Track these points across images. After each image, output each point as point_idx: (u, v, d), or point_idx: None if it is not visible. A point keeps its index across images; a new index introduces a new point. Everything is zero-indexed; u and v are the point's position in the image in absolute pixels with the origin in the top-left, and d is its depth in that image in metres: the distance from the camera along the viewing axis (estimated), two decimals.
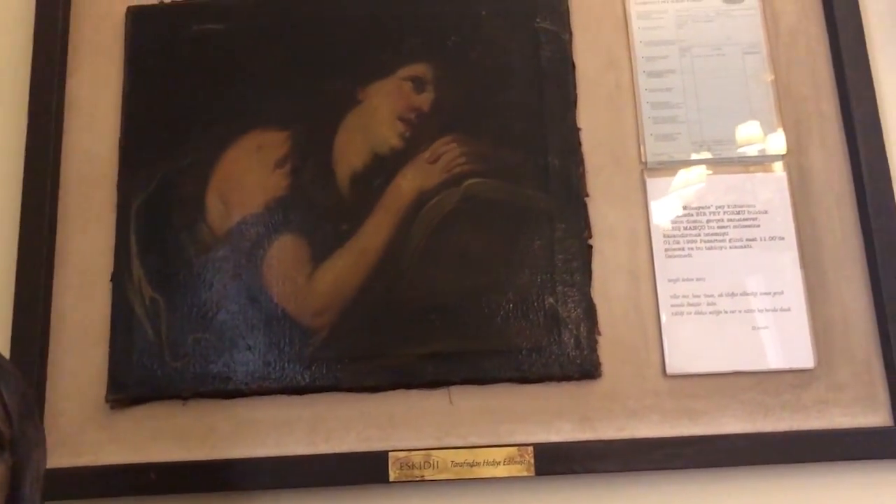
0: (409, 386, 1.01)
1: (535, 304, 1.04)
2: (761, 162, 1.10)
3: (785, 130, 1.10)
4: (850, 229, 1.07)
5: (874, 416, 1.02)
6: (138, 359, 1.02)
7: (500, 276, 1.04)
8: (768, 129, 1.10)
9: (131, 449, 1.01)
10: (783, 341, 1.03)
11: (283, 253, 1.05)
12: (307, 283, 1.04)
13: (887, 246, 1.05)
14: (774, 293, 1.05)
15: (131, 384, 1.02)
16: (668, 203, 1.08)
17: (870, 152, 1.08)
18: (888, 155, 1.08)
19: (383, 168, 1.07)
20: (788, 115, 1.11)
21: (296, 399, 1.02)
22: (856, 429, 1.01)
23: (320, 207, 1.06)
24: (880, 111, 1.09)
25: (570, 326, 1.03)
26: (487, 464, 0.97)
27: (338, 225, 1.05)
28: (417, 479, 0.97)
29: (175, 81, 1.12)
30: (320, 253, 1.05)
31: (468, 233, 1.05)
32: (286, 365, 1.02)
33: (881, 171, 1.07)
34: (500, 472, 0.97)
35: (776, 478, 1.00)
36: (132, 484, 0.99)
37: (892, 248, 1.05)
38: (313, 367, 1.01)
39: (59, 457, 1.00)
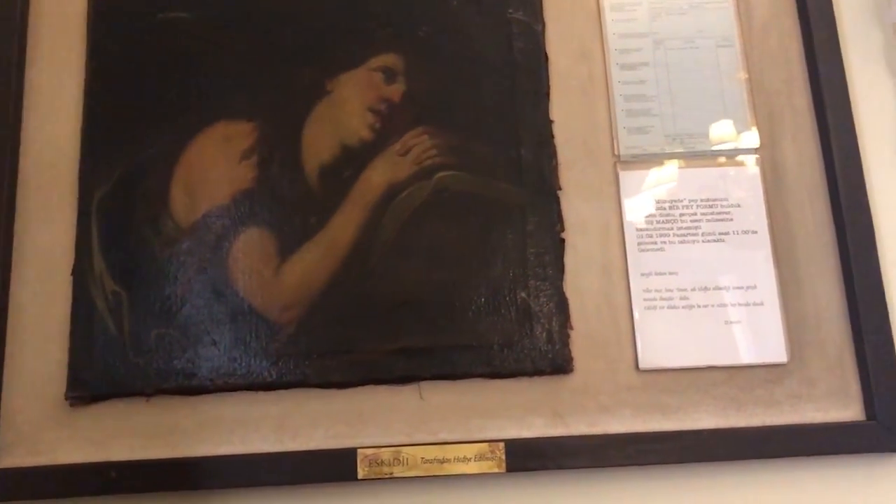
0: (378, 382, 0.99)
1: (507, 298, 1.02)
2: (734, 156, 1.09)
3: (758, 124, 1.10)
4: (822, 223, 1.07)
5: (846, 411, 1.01)
6: (99, 355, 0.99)
7: (472, 271, 1.03)
8: (741, 122, 1.10)
9: (92, 447, 0.98)
10: (756, 336, 1.03)
11: (250, 246, 1.02)
12: (274, 277, 1.02)
13: (860, 240, 1.05)
14: (747, 287, 1.04)
15: (92, 381, 0.98)
16: (640, 197, 1.07)
17: (842, 146, 1.08)
18: (860, 149, 1.08)
19: (353, 160, 1.05)
20: (761, 109, 1.10)
21: (262, 395, 0.99)
22: (828, 423, 1.00)
23: (288, 200, 1.04)
24: (852, 105, 1.09)
25: (542, 321, 1.02)
26: (458, 460, 0.96)
27: (306, 218, 1.03)
28: (387, 476, 0.95)
29: (139, 71, 1.09)
30: (288, 246, 1.02)
31: (439, 226, 1.04)
32: (252, 360, 0.99)
33: (853, 166, 1.07)
34: (471, 468, 0.95)
35: (749, 473, 1.00)
36: (92, 483, 0.96)
37: (864, 243, 1.05)
38: (280, 363, 0.99)
39: (17, 456, 0.97)
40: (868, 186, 1.07)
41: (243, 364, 0.99)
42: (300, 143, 1.06)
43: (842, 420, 1.01)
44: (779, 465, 1.00)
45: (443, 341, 1.00)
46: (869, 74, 1.12)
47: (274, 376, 0.99)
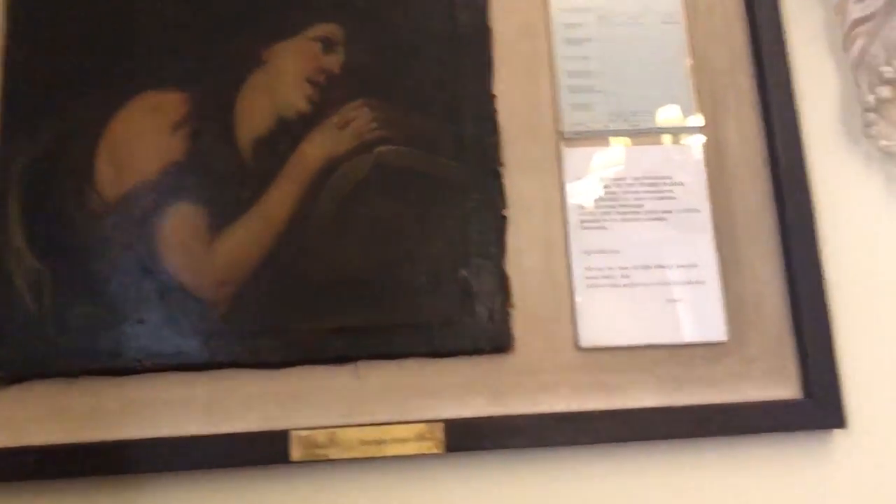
0: (314, 362, 0.96)
1: (448, 276, 1.00)
2: (678, 134, 1.08)
3: (701, 103, 1.09)
4: (763, 203, 1.07)
5: (784, 390, 1.02)
6: (17, 334, 0.94)
7: (412, 248, 1.00)
8: (685, 101, 1.09)
9: (9, 432, 0.93)
10: (697, 314, 1.02)
11: (180, 221, 0.98)
12: (205, 253, 0.98)
13: (800, 220, 1.05)
14: (689, 266, 1.04)
15: (9, 362, 0.94)
16: (584, 174, 1.06)
17: (784, 126, 1.08)
18: (802, 130, 1.08)
19: (289, 133, 1.01)
20: (705, 88, 1.10)
21: (192, 376, 0.95)
22: (767, 401, 1.00)
23: (220, 174, 0.99)
24: (795, 85, 1.09)
25: (482, 299, 0.99)
26: (396, 441, 0.93)
27: (239, 192, 0.99)
28: (321, 458, 0.92)
29: (63, 36, 1.03)
30: (220, 221, 0.98)
31: (379, 202, 1.01)
32: (182, 340, 0.95)
33: (794, 146, 1.07)
34: (409, 449, 0.93)
35: (689, 451, 1.00)
36: (11, 469, 0.91)
37: (803, 223, 1.05)
38: (211, 343, 0.95)
39: None
40: (808, 167, 1.07)
41: (172, 344, 0.95)
42: (234, 114, 1.02)
43: (780, 398, 1.01)
44: (718, 443, 1.00)
45: (381, 320, 0.98)
46: (811, 54, 1.12)
47: (205, 356, 0.95)
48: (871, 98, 1.07)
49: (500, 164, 1.04)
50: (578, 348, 1.00)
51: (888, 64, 1.06)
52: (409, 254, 1.00)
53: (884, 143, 1.07)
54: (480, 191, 1.03)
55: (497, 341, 0.99)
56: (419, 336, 0.98)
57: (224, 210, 0.99)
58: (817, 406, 1.00)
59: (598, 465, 0.99)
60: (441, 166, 1.03)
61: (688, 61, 1.10)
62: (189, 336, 0.96)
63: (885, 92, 1.06)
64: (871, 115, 1.07)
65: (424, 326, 0.98)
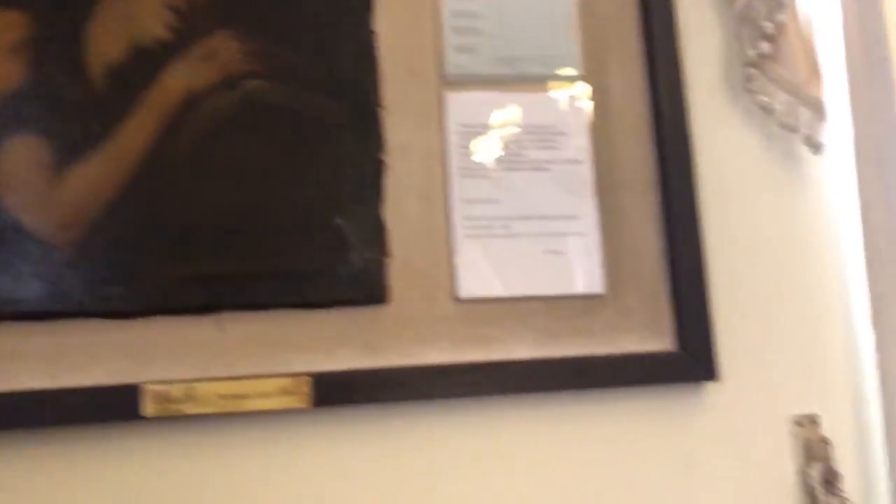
0: (170, 312, 0.89)
1: (320, 223, 0.94)
2: (562, 81, 1.05)
3: (586, 50, 1.06)
4: (644, 156, 1.05)
5: (659, 343, 1.02)
6: None
7: (282, 192, 0.94)
8: (570, 48, 1.06)
9: None
10: (575, 266, 1.01)
11: (19, 155, 0.88)
12: (49, 191, 0.88)
13: (680, 173, 1.05)
14: (569, 217, 1.02)
15: None
16: (466, 120, 1.01)
17: (668, 79, 1.07)
18: (685, 83, 1.07)
19: (146, 62, 0.92)
20: (590, 35, 1.07)
21: (34, 326, 0.86)
22: (642, 354, 1.00)
23: (67, 104, 0.90)
24: (680, 38, 1.08)
25: (357, 248, 0.94)
26: (258, 396, 0.88)
27: (88, 125, 0.90)
28: (177, 414, 0.86)
29: None
30: (66, 157, 0.89)
31: (245, 141, 0.93)
32: (22, 287, 0.86)
33: (677, 99, 1.06)
34: (272, 404, 0.88)
35: (566, 403, 0.99)
36: None
37: (684, 175, 1.05)
38: (55, 290, 0.87)
39: None
40: (691, 120, 1.07)
41: (10, 290, 0.86)
42: (83, 39, 0.92)
43: (655, 350, 1.01)
44: (594, 395, 0.99)
45: (247, 268, 0.92)
46: (697, 6, 1.11)
47: (47, 305, 0.87)
48: (752, 53, 1.07)
49: (379, 106, 0.98)
50: (456, 300, 0.97)
51: (769, 19, 1.06)
52: (278, 198, 0.94)
53: (763, 98, 1.07)
54: (357, 133, 0.97)
55: (371, 292, 0.94)
56: (288, 286, 0.92)
57: (70, 144, 0.89)
58: (690, 359, 1.01)
59: (476, 417, 0.96)
60: (315, 105, 0.97)
61: (575, 7, 1.07)
62: (30, 282, 0.86)
63: (765, 47, 1.06)
64: (752, 71, 1.07)
65: (294, 276, 0.93)
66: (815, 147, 1.08)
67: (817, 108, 1.07)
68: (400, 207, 0.97)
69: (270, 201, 0.93)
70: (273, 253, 0.93)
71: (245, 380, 0.88)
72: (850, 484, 1.04)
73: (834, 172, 1.12)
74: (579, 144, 1.04)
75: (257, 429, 0.90)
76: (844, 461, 1.05)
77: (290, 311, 0.92)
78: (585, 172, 1.03)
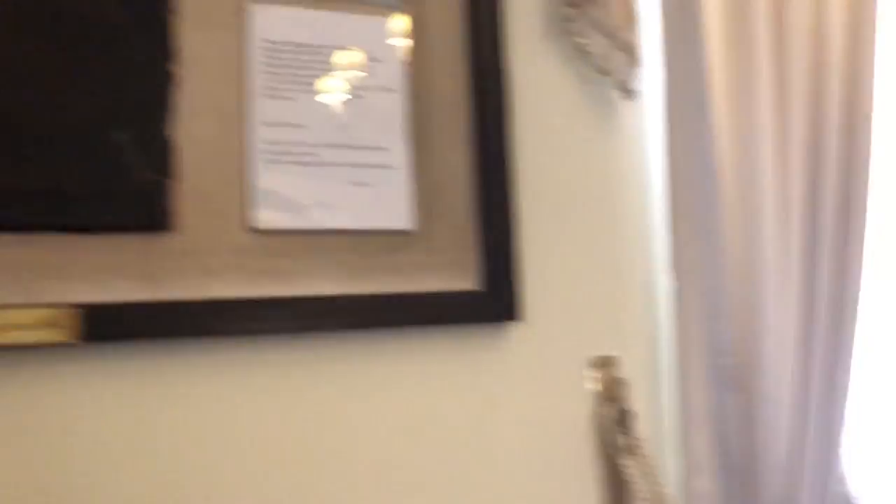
0: None
1: (97, 137, 0.84)
2: (380, 6, 0.99)
3: None
4: (459, 89, 1.02)
5: (465, 282, 1.00)
6: None
7: (50, 99, 0.82)
8: None
9: None
10: (383, 201, 0.96)
11: None
12: None
13: (494, 110, 1.02)
14: (379, 149, 0.97)
15: None
16: (272, 35, 0.93)
17: (487, 15, 1.03)
18: (504, 15, 1.04)
19: None
20: None
21: None
22: (447, 292, 0.98)
23: None
24: None
25: (138, 168, 0.85)
26: (15, 328, 0.78)
27: None
28: None
29: None
30: None
31: (12, 39, 0.81)
32: None
33: (495, 33, 1.03)
34: (31, 337, 0.78)
35: (369, 342, 0.95)
36: None
37: (498, 113, 1.02)
38: None
39: None
40: (508, 59, 1.04)
41: None
42: None
43: (460, 289, 0.99)
44: (398, 333, 0.96)
45: (5, 184, 0.80)
46: None
47: None
48: None
49: (171, 11, 0.88)
50: (252, 230, 0.90)
51: None
52: (47, 105, 0.82)
53: (579, 40, 1.06)
54: (145, 39, 0.87)
55: (154, 218, 0.85)
56: (54, 206, 0.82)
57: None
58: (495, 299, 0.99)
59: (270, 356, 0.91)
60: (97, 4, 0.85)
61: None
62: None
63: None
64: (570, 11, 1.06)
65: (62, 195, 0.82)
66: (627, 93, 1.09)
67: (631, 54, 1.07)
68: (192, 126, 0.88)
69: (34, 108, 0.82)
70: (38, 167, 0.81)
71: (0, 309, 0.78)
72: (642, 423, 1.07)
73: (645, 119, 1.14)
74: (393, 73, 0.99)
75: (14, 365, 0.79)
76: (639, 402, 1.08)
77: (56, 234, 0.82)
78: (398, 103, 0.98)
